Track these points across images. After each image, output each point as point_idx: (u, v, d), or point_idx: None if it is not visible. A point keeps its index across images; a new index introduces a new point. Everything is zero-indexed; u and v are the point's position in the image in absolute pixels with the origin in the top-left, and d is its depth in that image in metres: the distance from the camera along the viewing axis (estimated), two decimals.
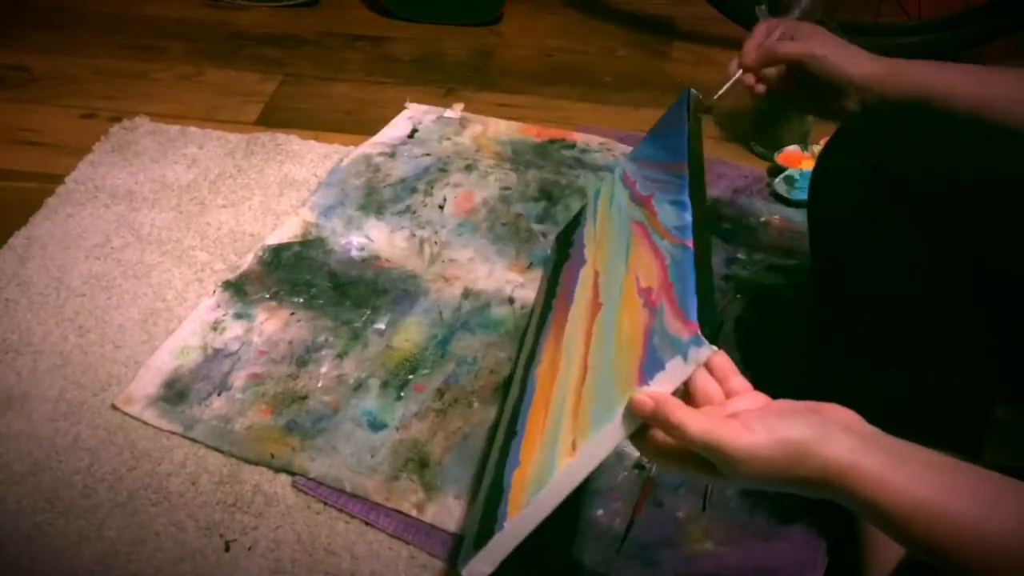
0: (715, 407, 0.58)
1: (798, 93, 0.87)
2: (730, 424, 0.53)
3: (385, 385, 0.96)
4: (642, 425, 0.59)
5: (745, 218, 1.18)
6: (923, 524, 0.50)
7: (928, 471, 0.51)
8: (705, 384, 0.59)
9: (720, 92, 0.90)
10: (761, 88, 0.87)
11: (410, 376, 0.97)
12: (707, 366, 0.59)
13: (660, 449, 0.58)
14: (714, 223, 1.16)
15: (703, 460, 0.55)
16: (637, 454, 0.89)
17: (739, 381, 0.59)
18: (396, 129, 1.35)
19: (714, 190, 1.23)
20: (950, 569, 0.50)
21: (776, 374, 0.96)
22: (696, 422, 0.54)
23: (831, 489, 0.52)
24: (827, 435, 0.53)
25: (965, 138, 0.80)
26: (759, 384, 0.59)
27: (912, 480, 0.51)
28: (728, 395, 0.59)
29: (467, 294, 1.07)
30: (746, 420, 0.54)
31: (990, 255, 0.82)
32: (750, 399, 0.58)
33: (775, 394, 0.58)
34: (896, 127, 0.84)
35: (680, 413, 0.55)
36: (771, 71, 0.87)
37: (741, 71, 0.87)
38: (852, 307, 0.86)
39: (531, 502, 0.63)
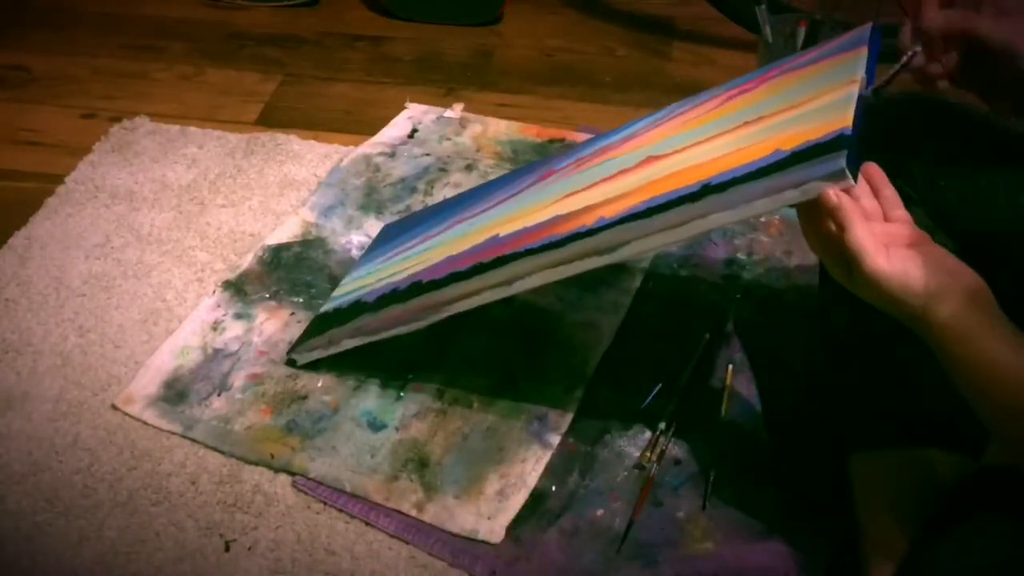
0: (876, 223, 0.65)
1: (983, 86, 0.68)
2: (880, 247, 0.61)
3: (385, 385, 0.96)
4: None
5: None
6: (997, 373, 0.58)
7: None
8: (867, 199, 0.66)
9: (888, 75, 0.70)
10: (938, 70, 0.68)
11: (410, 376, 0.97)
12: (862, 174, 0.66)
13: (820, 231, 0.65)
14: None
15: (842, 260, 0.63)
16: (637, 454, 0.89)
17: (891, 192, 0.67)
18: (396, 129, 1.35)
19: None
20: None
21: (777, 374, 0.96)
22: (859, 228, 0.62)
23: (924, 334, 0.61)
24: (942, 298, 0.60)
25: None
26: (760, 384, 0.60)
27: (997, 343, 0.59)
28: (884, 207, 0.66)
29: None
30: (894, 251, 0.62)
31: None
32: (909, 230, 0.65)
33: (779, 395, 0.60)
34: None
35: (853, 215, 0.62)
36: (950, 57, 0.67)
37: (916, 49, 0.67)
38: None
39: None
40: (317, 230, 1.15)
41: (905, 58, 0.68)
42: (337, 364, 0.97)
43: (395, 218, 1.17)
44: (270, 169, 1.26)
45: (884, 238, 0.63)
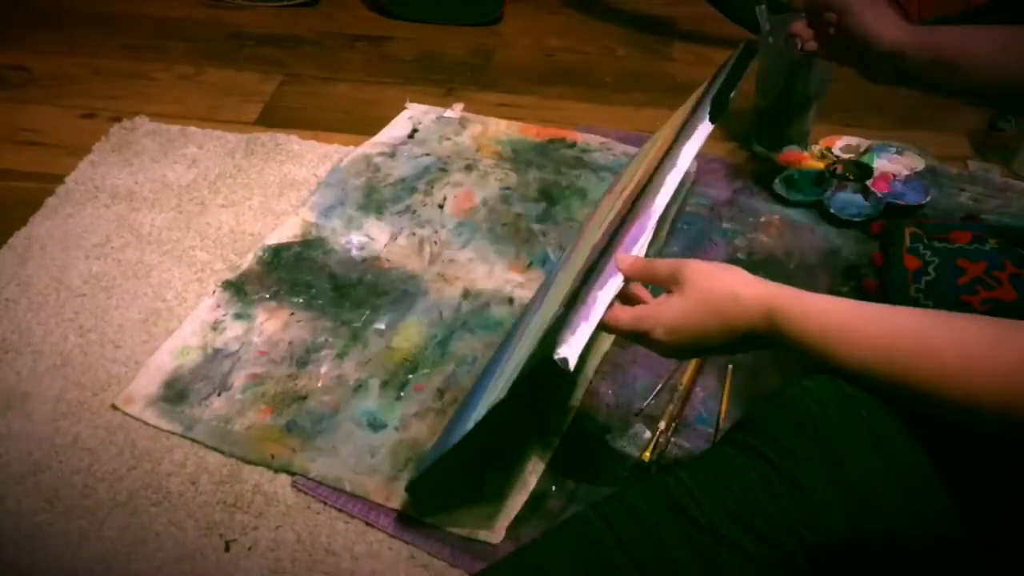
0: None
1: (838, 47, 0.94)
2: (656, 305, 0.72)
3: (385, 385, 0.96)
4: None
5: (745, 218, 1.18)
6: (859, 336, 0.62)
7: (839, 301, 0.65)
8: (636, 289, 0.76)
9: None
10: (812, 45, 0.96)
11: (410, 376, 0.97)
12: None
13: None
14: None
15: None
16: (637, 454, 0.89)
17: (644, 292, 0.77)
18: (396, 129, 1.35)
19: (714, 190, 1.23)
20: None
21: (775, 374, 0.96)
22: (626, 313, 0.73)
23: (764, 329, 0.66)
24: (744, 281, 0.69)
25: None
26: (760, 384, 0.60)
27: (835, 303, 0.65)
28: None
29: (467, 294, 1.07)
30: (667, 300, 0.71)
31: None
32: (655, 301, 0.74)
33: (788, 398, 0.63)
34: None
35: (613, 312, 0.73)
36: (829, 19, 0.92)
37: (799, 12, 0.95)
38: None
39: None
40: (317, 230, 1.15)
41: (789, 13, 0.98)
42: (337, 365, 0.97)
43: (394, 217, 1.17)
44: (270, 169, 1.26)
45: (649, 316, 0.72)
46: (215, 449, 0.90)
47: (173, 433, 0.92)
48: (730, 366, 0.97)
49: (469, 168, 1.26)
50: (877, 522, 0.60)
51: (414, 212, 1.18)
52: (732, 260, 1.11)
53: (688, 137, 0.86)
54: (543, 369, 0.71)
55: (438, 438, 0.89)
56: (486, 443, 0.80)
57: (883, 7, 0.90)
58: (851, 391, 0.63)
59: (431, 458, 0.84)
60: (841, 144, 1.28)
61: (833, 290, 1.06)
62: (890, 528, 0.60)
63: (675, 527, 0.62)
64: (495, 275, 1.09)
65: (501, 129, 1.35)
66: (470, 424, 0.76)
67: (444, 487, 0.84)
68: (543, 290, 0.99)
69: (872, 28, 0.89)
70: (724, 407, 0.93)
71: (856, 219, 1.16)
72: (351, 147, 1.30)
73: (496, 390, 0.76)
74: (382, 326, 1.02)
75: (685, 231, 1.16)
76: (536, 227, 1.16)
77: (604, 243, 0.83)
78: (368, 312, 1.04)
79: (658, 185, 0.82)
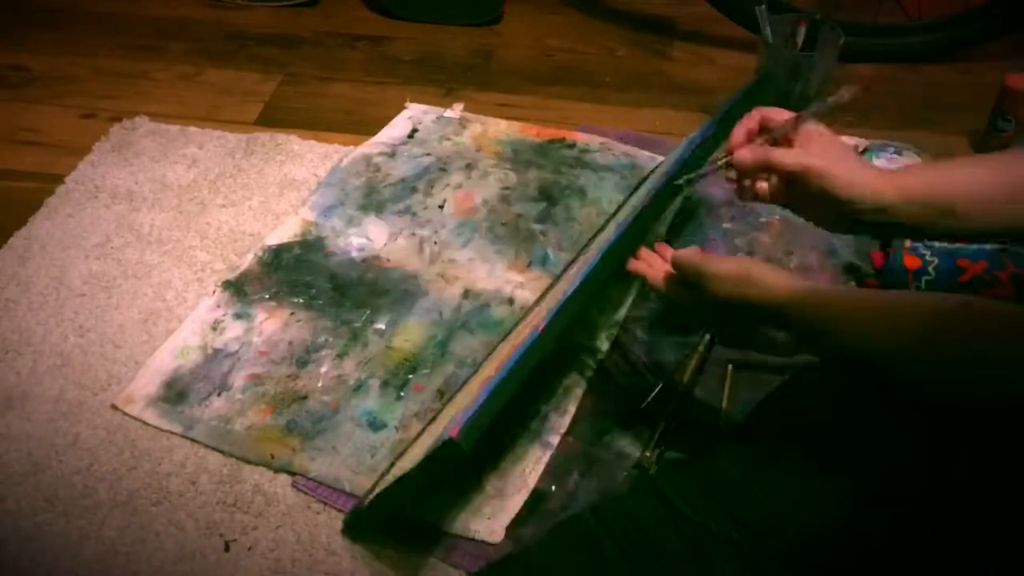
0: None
1: (798, 204, 0.77)
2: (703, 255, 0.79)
3: (385, 385, 0.96)
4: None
5: (745, 218, 1.18)
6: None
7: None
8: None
9: (697, 173, 0.83)
10: (764, 193, 0.77)
11: (410, 376, 0.97)
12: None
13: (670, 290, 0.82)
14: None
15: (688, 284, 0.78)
16: (637, 454, 0.89)
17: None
18: (396, 129, 1.35)
19: (714, 190, 1.23)
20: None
21: (775, 373, 0.96)
22: (683, 251, 0.80)
23: (771, 310, 0.73)
24: (763, 270, 0.75)
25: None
26: (760, 384, 0.61)
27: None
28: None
29: (467, 294, 1.07)
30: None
31: None
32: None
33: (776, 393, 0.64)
34: None
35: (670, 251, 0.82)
36: (768, 181, 0.77)
37: (727, 162, 0.77)
38: None
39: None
40: (317, 230, 1.15)
41: (710, 166, 0.80)
42: (337, 365, 0.97)
43: (394, 217, 1.17)
44: (270, 169, 1.26)
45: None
46: (215, 449, 0.90)
47: (173, 433, 0.92)
48: (730, 366, 0.97)
49: (469, 168, 1.26)
50: (864, 514, 0.62)
51: (414, 212, 1.18)
52: None
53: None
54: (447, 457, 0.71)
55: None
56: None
57: (843, 152, 0.74)
58: (834, 387, 0.64)
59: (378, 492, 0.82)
60: None
61: None
62: (876, 520, 0.61)
63: (666, 522, 0.63)
64: (495, 275, 1.09)
65: (501, 129, 1.35)
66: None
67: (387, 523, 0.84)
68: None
69: (844, 188, 0.71)
70: (724, 407, 0.93)
71: None
72: (351, 147, 1.30)
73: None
74: (382, 326, 1.02)
75: (685, 231, 1.16)
76: (536, 227, 1.16)
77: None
78: (368, 312, 1.04)
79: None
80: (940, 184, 0.70)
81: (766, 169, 0.75)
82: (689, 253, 0.80)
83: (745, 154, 0.75)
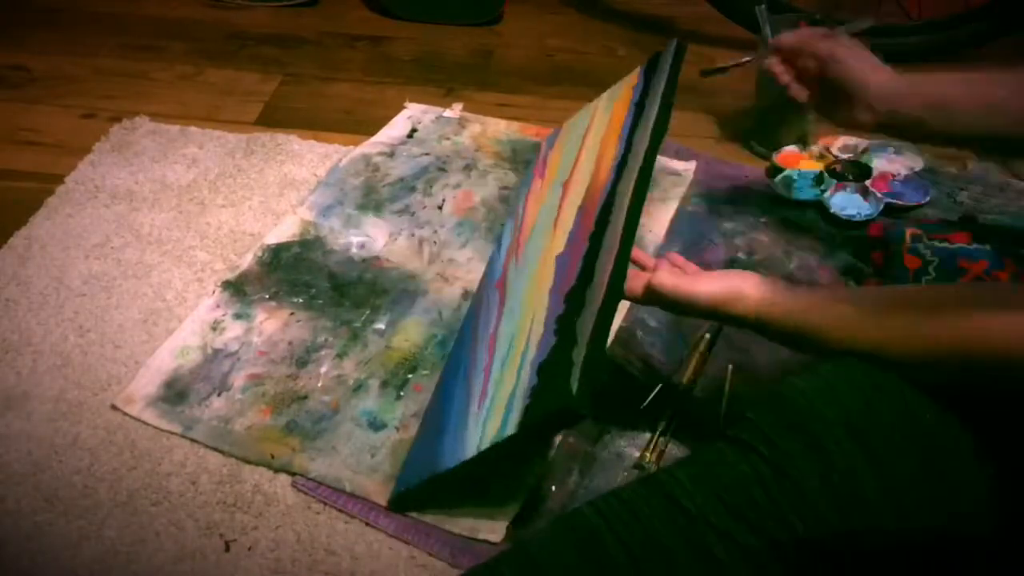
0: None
1: (822, 96, 0.93)
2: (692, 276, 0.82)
3: (385, 385, 0.96)
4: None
5: (745, 218, 1.18)
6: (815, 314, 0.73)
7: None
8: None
9: (740, 61, 1.01)
10: (787, 79, 0.94)
11: (410, 376, 0.97)
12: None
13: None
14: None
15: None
16: (637, 454, 0.89)
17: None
18: (395, 129, 1.35)
19: (714, 190, 1.23)
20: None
21: (775, 374, 0.96)
22: (661, 277, 0.82)
23: (752, 324, 0.77)
24: (749, 284, 0.77)
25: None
26: (759, 383, 0.62)
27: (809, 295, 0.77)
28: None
29: (466, 294, 1.07)
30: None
31: None
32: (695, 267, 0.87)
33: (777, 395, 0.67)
34: None
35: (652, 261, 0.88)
36: (808, 65, 0.92)
37: (769, 50, 0.94)
38: None
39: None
40: (316, 229, 1.15)
41: (756, 57, 0.97)
42: (337, 365, 0.97)
43: (393, 217, 1.17)
44: (270, 169, 1.26)
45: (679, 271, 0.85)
46: (215, 449, 0.90)
47: (173, 433, 0.92)
48: (730, 366, 0.97)
49: (468, 168, 1.26)
50: (864, 514, 0.62)
51: (413, 212, 1.18)
52: (732, 260, 1.12)
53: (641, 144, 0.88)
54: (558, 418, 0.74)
55: (419, 435, 0.89)
56: (486, 469, 0.80)
57: (868, 54, 0.88)
58: (838, 387, 0.65)
59: (414, 476, 0.84)
60: (840, 144, 1.28)
61: None
62: (877, 520, 0.62)
63: (667, 517, 0.64)
64: None
65: (500, 129, 1.35)
66: (469, 451, 0.78)
67: (433, 499, 0.84)
68: (488, 286, 1.01)
69: (860, 76, 0.88)
70: (724, 407, 0.93)
71: (856, 219, 1.16)
72: (350, 147, 1.30)
73: (491, 418, 0.77)
74: (382, 326, 1.02)
75: (685, 231, 1.16)
76: None
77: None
78: (368, 312, 1.04)
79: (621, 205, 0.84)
80: (943, 82, 0.86)
81: (801, 51, 0.92)
82: (666, 280, 0.81)
83: (788, 36, 0.94)
